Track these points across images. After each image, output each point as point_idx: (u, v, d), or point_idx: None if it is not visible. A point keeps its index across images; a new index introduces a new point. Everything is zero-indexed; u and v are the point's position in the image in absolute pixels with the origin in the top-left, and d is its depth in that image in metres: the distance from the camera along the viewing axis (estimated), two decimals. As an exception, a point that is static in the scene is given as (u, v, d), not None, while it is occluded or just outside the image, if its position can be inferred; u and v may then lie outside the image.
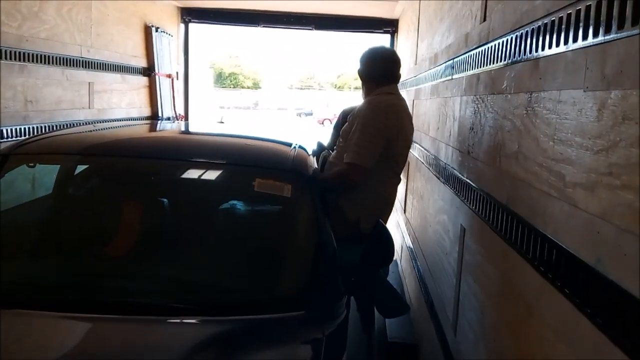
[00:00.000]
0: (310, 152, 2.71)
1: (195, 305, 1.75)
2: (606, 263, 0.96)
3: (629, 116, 0.92)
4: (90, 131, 2.97)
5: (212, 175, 2.37)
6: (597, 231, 1.00)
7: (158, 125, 4.58)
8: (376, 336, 2.76)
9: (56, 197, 2.52)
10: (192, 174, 2.39)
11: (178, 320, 1.67)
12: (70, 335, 1.60)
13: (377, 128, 2.61)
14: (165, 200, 2.30)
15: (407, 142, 2.80)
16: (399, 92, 2.89)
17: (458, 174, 2.32)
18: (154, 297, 1.79)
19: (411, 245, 4.01)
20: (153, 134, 3.20)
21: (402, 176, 2.91)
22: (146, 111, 5.59)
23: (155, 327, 1.64)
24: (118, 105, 4.86)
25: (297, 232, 2.19)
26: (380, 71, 2.85)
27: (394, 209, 2.94)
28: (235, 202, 2.27)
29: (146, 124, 4.81)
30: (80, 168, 2.55)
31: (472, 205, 2.01)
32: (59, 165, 2.55)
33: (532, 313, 1.35)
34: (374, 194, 2.70)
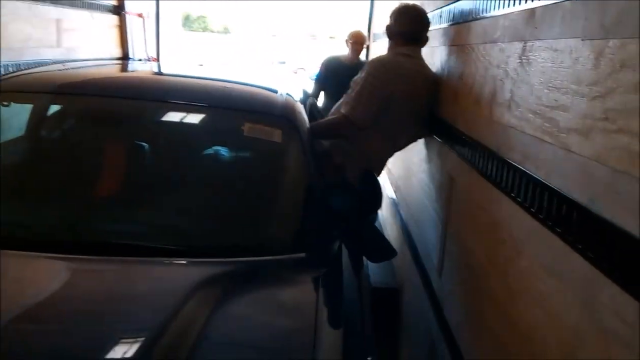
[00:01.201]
0: (297, 99, 2.72)
1: (191, 248, 1.80)
2: (600, 202, 1.03)
3: (626, 64, 0.97)
4: (62, 70, 2.86)
5: (201, 118, 2.35)
6: (591, 173, 1.07)
7: (132, 65, 4.46)
8: (366, 280, 2.87)
9: (32, 138, 2.43)
10: (181, 116, 2.37)
11: (181, 262, 1.72)
12: (55, 277, 1.59)
13: (376, 86, 2.59)
14: (156, 141, 2.27)
15: (411, 107, 2.67)
16: (420, 56, 2.75)
17: (446, 122, 2.37)
18: (149, 240, 1.83)
19: (393, 195, 4.09)
20: (134, 74, 3.13)
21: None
22: (116, 51, 5.45)
23: (155, 268, 1.69)
24: (87, 44, 4.73)
25: (288, 177, 2.23)
26: (401, 29, 2.75)
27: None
28: (227, 145, 2.27)
29: (120, 64, 4.68)
30: (56, 108, 2.47)
31: (461, 153, 2.07)
32: (32, 105, 2.44)
33: (521, 252, 1.42)
34: (362, 150, 2.71)
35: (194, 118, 2.35)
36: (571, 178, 1.16)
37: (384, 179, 4.60)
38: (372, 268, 3.67)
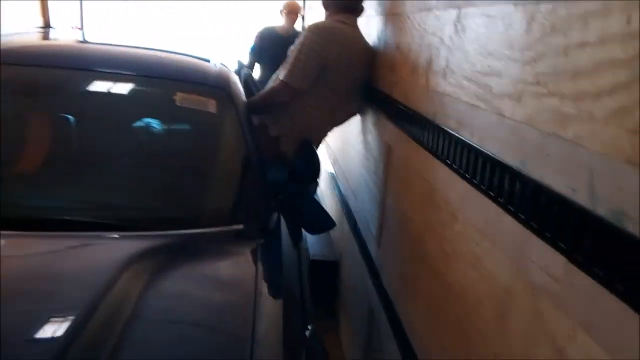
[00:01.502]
0: (232, 70, 2.67)
1: (124, 221, 1.75)
2: (530, 164, 1.06)
3: (557, 27, 0.99)
4: None
5: (130, 88, 2.28)
6: (523, 136, 1.10)
7: (55, 33, 4.23)
8: (305, 252, 2.87)
9: None
10: (110, 86, 2.28)
11: (113, 236, 1.67)
12: None
13: (314, 50, 2.57)
14: (84, 113, 2.17)
15: (349, 75, 2.68)
16: (356, 25, 2.75)
17: (383, 92, 2.39)
18: (80, 214, 1.76)
19: (331, 167, 4.11)
20: (58, 42, 2.98)
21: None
22: (38, 20, 5.16)
23: (86, 244, 1.63)
24: (5, 12, 4.44)
25: (224, 148, 2.19)
26: None
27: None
28: (159, 116, 2.21)
29: (41, 32, 4.44)
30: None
31: (398, 123, 2.09)
32: None
33: (456, 217, 1.46)
34: (300, 123, 2.70)
35: (123, 88, 2.27)
36: (504, 142, 1.19)
37: (322, 153, 4.62)
38: (311, 241, 3.69)
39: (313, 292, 3.50)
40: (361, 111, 2.87)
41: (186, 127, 2.34)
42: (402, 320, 1.90)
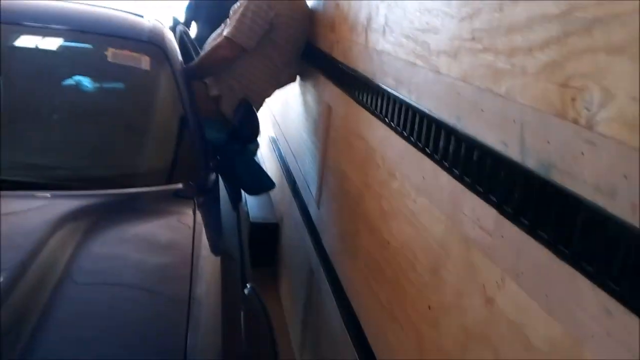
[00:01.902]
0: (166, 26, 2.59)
1: (60, 181, 1.69)
2: (465, 120, 1.08)
3: (492, -16, 1.00)
4: None
5: (60, 43, 2.18)
6: (458, 92, 1.11)
7: None
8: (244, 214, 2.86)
9: None
10: (38, 41, 2.17)
11: (45, 195, 1.61)
12: None
13: (261, 8, 2.51)
14: (10, 69, 2.06)
15: (294, 35, 2.63)
16: None
17: (324, 52, 2.37)
18: (11, 173, 1.69)
19: (272, 131, 4.08)
20: None
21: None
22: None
23: (16, 203, 1.56)
24: None
25: (159, 106, 2.14)
26: None
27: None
28: (90, 73, 2.12)
29: None
30: None
31: (339, 82, 2.09)
32: None
33: (394, 175, 1.48)
34: (243, 78, 2.65)
35: (52, 43, 2.16)
36: (440, 99, 1.21)
37: (262, 116, 4.57)
38: (252, 204, 3.68)
39: (254, 254, 3.52)
40: (302, 73, 2.85)
41: (119, 84, 2.26)
42: (341, 278, 1.93)
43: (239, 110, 2.33)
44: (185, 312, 1.23)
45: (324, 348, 2.19)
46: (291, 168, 3.15)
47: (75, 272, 1.29)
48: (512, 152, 0.90)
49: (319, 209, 2.39)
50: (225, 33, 2.56)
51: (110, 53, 2.10)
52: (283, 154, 3.50)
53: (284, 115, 3.59)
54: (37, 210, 1.56)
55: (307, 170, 2.70)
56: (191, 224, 1.66)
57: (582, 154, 0.74)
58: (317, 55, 2.53)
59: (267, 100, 2.84)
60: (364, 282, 1.69)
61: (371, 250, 1.64)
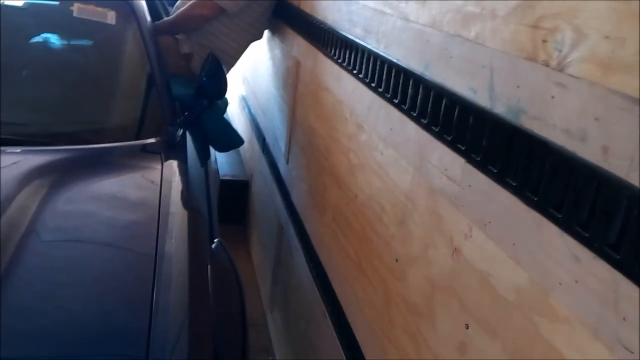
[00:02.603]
0: None
1: (28, 136, 1.65)
2: (433, 68, 1.05)
3: None
4: None
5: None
6: (427, 40, 1.08)
7: None
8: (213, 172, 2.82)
9: None
10: None
11: (18, 150, 1.57)
12: None
13: None
14: None
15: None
16: None
17: (292, 5, 2.30)
18: None
19: (241, 87, 4.00)
20: None
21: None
22: None
23: None
24: None
25: (126, 62, 2.08)
26: None
27: None
28: (55, 29, 2.06)
29: None
30: None
31: (307, 36, 2.03)
32: None
33: (362, 128, 1.45)
34: (217, 41, 2.56)
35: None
36: (408, 48, 1.17)
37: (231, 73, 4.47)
38: (222, 161, 3.63)
39: (224, 211, 3.49)
40: (271, 28, 2.77)
41: (85, 40, 2.22)
42: (310, 233, 1.92)
43: (206, 66, 2.26)
44: (152, 267, 1.22)
45: (293, 303, 2.19)
46: (261, 125, 3.10)
47: (40, 228, 1.28)
48: (481, 98, 0.88)
49: (287, 164, 2.36)
50: None
51: (76, 8, 2.05)
52: (253, 111, 3.44)
53: (253, 72, 3.51)
54: (5, 166, 1.52)
55: (276, 126, 2.66)
56: (158, 179, 1.63)
57: (553, 97, 0.71)
58: (285, 8, 2.46)
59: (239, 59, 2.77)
60: (333, 237, 1.68)
61: (339, 205, 1.62)
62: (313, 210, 1.92)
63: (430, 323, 1.04)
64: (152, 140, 1.77)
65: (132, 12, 2.12)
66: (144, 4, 2.29)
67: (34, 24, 2.11)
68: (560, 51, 0.70)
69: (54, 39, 2.10)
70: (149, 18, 2.23)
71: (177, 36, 2.54)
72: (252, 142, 3.27)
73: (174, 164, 1.73)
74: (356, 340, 1.43)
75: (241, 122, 3.88)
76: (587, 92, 0.66)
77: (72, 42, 2.19)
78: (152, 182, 1.62)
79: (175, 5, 2.72)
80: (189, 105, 2.15)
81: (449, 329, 0.97)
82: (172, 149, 1.83)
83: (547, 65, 0.73)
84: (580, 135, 0.66)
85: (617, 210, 0.61)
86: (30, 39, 2.07)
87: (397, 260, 1.21)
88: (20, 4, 2.17)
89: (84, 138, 1.71)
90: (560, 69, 0.70)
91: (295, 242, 2.08)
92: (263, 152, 2.92)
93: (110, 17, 2.10)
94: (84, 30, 2.14)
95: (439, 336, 1.01)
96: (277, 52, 2.68)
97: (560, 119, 0.70)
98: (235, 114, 4.25)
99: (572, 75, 0.68)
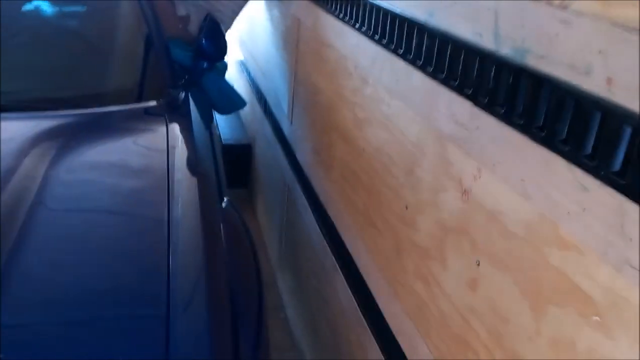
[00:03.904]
0: None
1: (31, 102, 1.66)
2: (438, 15, 1.06)
3: None
4: None
5: None
6: (430, -12, 1.09)
7: None
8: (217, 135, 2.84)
9: None
10: None
11: (16, 115, 1.58)
12: None
13: None
14: None
15: None
16: None
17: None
18: None
19: (239, 51, 3.99)
20: None
21: None
22: None
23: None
24: None
25: (122, 26, 2.08)
26: None
27: None
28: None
29: None
30: None
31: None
32: None
33: (366, 81, 1.47)
34: (218, 3, 2.54)
35: None
36: (412, -3, 1.18)
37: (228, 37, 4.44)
38: (223, 126, 3.65)
39: (227, 176, 3.53)
40: None
41: (81, 4, 2.20)
42: (318, 191, 1.95)
43: (204, 27, 2.26)
44: (166, 232, 1.21)
45: (302, 261, 2.24)
46: (261, 87, 3.11)
47: (49, 196, 1.28)
48: (487, 41, 0.90)
49: (291, 124, 2.38)
50: None
51: None
52: (252, 73, 3.44)
53: (251, 35, 3.49)
54: (8, 133, 1.53)
55: (277, 87, 2.67)
56: (164, 142, 1.64)
57: (557, 35, 0.74)
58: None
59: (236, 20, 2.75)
60: (340, 192, 1.71)
61: (346, 160, 1.65)
62: (319, 168, 1.95)
63: (442, 265, 1.08)
64: (154, 102, 1.79)
65: None
66: None
67: None
68: (564, -11, 0.72)
69: (50, 5, 2.09)
70: None
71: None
72: (254, 106, 3.28)
73: (178, 127, 1.75)
74: (368, 289, 1.47)
75: (240, 86, 3.88)
76: (590, 27, 0.68)
77: (69, 7, 2.18)
78: (158, 145, 1.62)
79: None
80: (188, 68, 2.16)
81: (460, 268, 1.01)
82: (175, 112, 1.85)
83: (550, 4, 0.75)
84: (585, 69, 0.69)
85: (621, 139, 0.64)
86: (27, 4, 2.05)
87: (406, 207, 1.24)
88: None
89: (85, 102, 1.72)
90: (564, 6, 0.72)
91: (303, 201, 2.12)
92: (265, 114, 2.93)
93: None
94: None
95: (449, 275, 1.05)
96: (275, 11, 2.67)
97: (565, 55, 0.72)
98: (234, 79, 4.25)
99: (575, 11, 0.70)
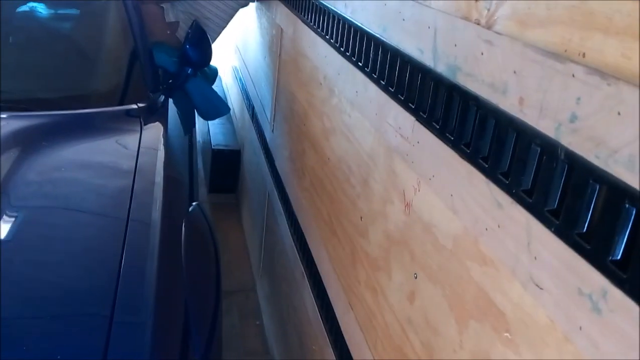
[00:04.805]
0: None
1: (6, 102, 1.68)
2: (390, 30, 1.08)
3: None
4: None
5: None
6: (385, 3, 1.11)
7: None
8: (197, 141, 2.86)
9: None
10: None
11: (5, 116, 1.60)
12: None
13: None
14: None
15: None
16: None
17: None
18: None
19: (234, 58, 4.02)
20: None
21: None
22: None
23: None
24: None
25: (108, 30, 2.11)
26: None
27: None
28: (36, 1, 2.09)
29: None
30: None
31: (287, 3, 2.05)
32: None
33: (333, 91, 1.49)
34: (202, 7, 2.57)
35: None
36: (370, 12, 1.20)
37: (223, 44, 4.48)
38: (214, 131, 3.67)
39: (217, 181, 3.55)
40: None
41: (68, 9, 2.24)
42: (291, 197, 1.97)
43: (190, 34, 2.29)
44: (123, 231, 1.23)
45: (278, 268, 2.25)
46: (250, 94, 3.13)
47: (10, 193, 1.29)
48: (427, 58, 0.91)
49: (272, 132, 2.40)
50: None
51: None
52: (244, 81, 3.47)
53: (243, 42, 3.53)
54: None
55: (263, 95, 2.69)
56: (136, 143, 1.66)
57: (482, 54, 0.75)
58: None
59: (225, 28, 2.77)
60: (310, 200, 1.73)
61: (315, 168, 1.67)
62: (293, 175, 1.97)
63: (387, 276, 1.09)
64: (132, 106, 1.81)
65: None
66: None
67: None
68: (488, 9, 0.74)
69: (38, 7, 2.12)
70: None
71: (162, 5, 2.55)
72: (243, 112, 3.30)
73: (153, 129, 1.77)
74: (329, 299, 1.48)
75: (234, 93, 3.91)
76: (508, 48, 0.69)
77: (53, 10, 2.21)
78: (130, 146, 1.63)
79: None
80: (173, 73, 2.18)
81: (402, 280, 1.02)
82: (152, 115, 1.87)
83: (478, 23, 0.76)
84: (502, 88, 0.70)
85: (531, 158, 0.66)
86: (16, 7, 2.09)
87: (361, 218, 1.26)
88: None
89: (61, 104, 1.74)
90: (489, 26, 0.74)
91: (279, 207, 2.13)
92: (252, 120, 2.96)
93: None
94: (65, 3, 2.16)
95: (393, 287, 1.06)
96: (264, 20, 2.70)
97: (487, 74, 0.74)
98: (229, 85, 4.28)
99: (497, 32, 0.72)
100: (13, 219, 1.24)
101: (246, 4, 2.77)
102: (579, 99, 0.57)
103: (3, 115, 1.62)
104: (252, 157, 2.98)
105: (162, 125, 1.87)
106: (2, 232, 1.19)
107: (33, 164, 1.42)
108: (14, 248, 1.16)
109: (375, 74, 1.15)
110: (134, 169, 1.48)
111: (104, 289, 1.07)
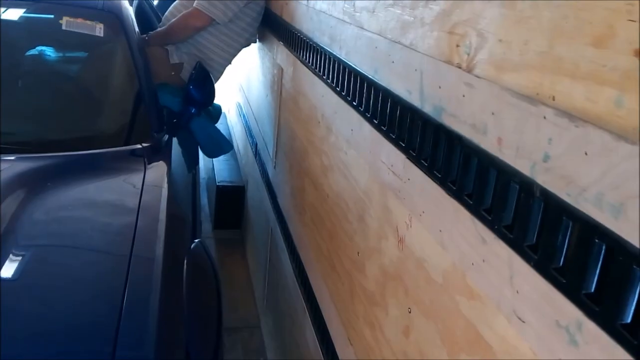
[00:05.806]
0: None
1: (14, 145, 1.73)
2: (381, 72, 1.12)
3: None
4: None
5: (14, 10, 2.19)
6: (376, 46, 1.16)
7: None
8: (200, 178, 2.90)
9: None
10: None
11: (13, 158, 1.65)
12: None
13: None
14: None
15: (259, 11, 2.64)
16: None
17: (276, 14, 2.39)
18: None
19: (238, 96, 4.10)
20: None
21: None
22: None
23: None
24: None
25: (113, 71, 2.17)
26: None
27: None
28: (45, 41, 2.16)
29: None
30: None
31: (287, 44, 2.11)
32: None
33: (330, 130, 1.53)
34: (206, 48, 2.64)
35: (7, 14, 2.18)
36: (363, 54, 1.25)
37: (227, 83, 4.57)
38: (219, 168, 3.72)
39: (221, 217, 3.58)
40: (261, 37, 2.86)
41: (74, 52, 2.30)
42: (292, 233, 1.99)
43: (193, 74, 2.35)
44: (125, 269, 1.25)
45: (281, 304, 2.27)
46: (253, 132, 3.19)
47: (16, 232, 1.33)
48: (414, 99, 0.95)
49: (275, 168, 2.44)
50: (196, 4, 2.54)
51: (65, 21, 2.13)
52: (247, 118, 3.53)
53: (247, 81, 3.60)
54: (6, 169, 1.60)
55: (265, 132, 2.74)
56: (140, 182, 1.70)
57: (463, 96, 0.79)
58: (271, 18, 2.54)
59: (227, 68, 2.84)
60: (310, 236, 1.75)
61: (315, 204, 1.70)
62: (295, 212, 2.00)
63: (384, 311, 1.11)
64: (137, 146, 1.85)
65: (120, 25, 2.20)
66: (132, 15, 2.38)
67: (23, 36, 2.17)
68: (468, 54, 0.78)
69: (40, 48, 2.18)
70: (136, 29, 2.32)
71: (166, 47, 2.62)
72: (247, 149, 3.35)
73: (156, 168, 1.81)
74: (329, 334, 1.50)
75: (238, 130, 3.98)
76: (487, 90, 0.73)
77: (61, 54, 2.28)
78: (134, 185, 1.68)
79: (164, 16, 2.80)
80: (177, 113, 2.24)
81: (397, 315, 1.04)
82: (156, 154, 1.91)
83: (459, 67, 0.80)
84: (482, 129, 0.74)
85: (510, 195, 0.69)
86: (16, 47, 2.13)
87: (358, 253, 1.28)
88: (9, 14, 2.22)
89: (68, 146, 1.78)
90: (469, 70, 0.78)
91: (281, 244, 2.16)
92: (255, 157, 3.00)
93: (99, 29, 2.19)
94: (71, 40, 2.20)
95: (389, 322, 1.08)
96: (266, 60, 2.76)
97: (469, 115, 0.77)
98: (233, 122, 4.35)
99: (477, 76, 0.76)
100: (20, 258, 1.27)
101: (248, 44, 2.85)
102: (550, 139, 0.61)
103: (10, 158, 1.67)
104: (256, 193, 3.02)
105: (166, 163, 1.91)
106: (9, 270, 1.22)
107: (39, 204, 1.46)
108: (20, 286, 1.19)
109: (368, 113, 1.19)
110: (137, 207, 1.51)
111: (106, 326, 1.10)
